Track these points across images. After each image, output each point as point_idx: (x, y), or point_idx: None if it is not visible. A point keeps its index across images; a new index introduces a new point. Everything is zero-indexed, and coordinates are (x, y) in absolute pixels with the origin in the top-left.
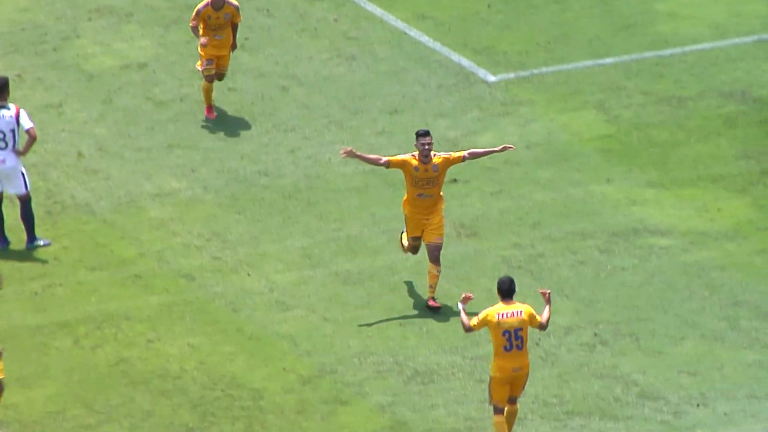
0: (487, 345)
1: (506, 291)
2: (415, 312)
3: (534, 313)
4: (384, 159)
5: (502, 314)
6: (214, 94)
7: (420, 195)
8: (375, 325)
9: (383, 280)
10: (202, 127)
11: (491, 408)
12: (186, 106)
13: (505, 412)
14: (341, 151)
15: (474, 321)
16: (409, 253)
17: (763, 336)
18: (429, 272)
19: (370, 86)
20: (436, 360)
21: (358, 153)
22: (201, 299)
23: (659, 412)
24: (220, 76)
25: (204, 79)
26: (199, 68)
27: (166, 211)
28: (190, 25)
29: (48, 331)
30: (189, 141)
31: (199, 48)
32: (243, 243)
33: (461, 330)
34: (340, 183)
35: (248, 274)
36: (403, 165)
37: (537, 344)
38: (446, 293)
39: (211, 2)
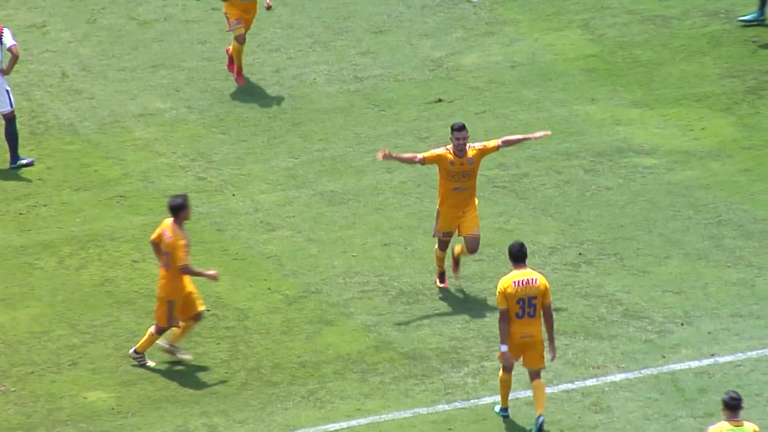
0: (472, 265)
1: (518, 256)
2: (400, 232)
3: (548, 286)
4: (419, 156)
5: (518, 282)
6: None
7: (456, 188)
8: (360, 245)
9: (368, 200)
10: (187, 46)
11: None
12: (170, 25)
13: (532, 385)
14: (378, 154)
15: (498, 300)
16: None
17: (746, 254)
18: (459, 258)
19: (354, 6)
20: (420, 280)
21: (395, 154)
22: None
23: (644, 330)
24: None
25: (234, 40)
26: (228, 30)
27: (150, 132)
28: None
29: (32, 251)
30: (173, 61)
31: (224, 7)
32: (228, 163)
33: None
34: (324, 103)
35: (233, 195)
36: (438, 160)
37: None
38: (431, 213)
39: None
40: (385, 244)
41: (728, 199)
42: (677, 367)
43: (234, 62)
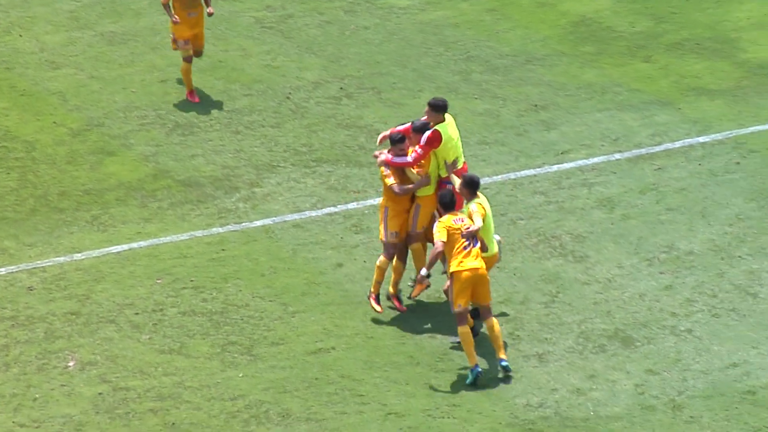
0: (241, 99)
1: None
2: (175, 69)
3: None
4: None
5: (456, 220)
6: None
7: None
8: (138, 82)
9: (146, 40)
10: None
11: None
12: None
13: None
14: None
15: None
16: None
17: (492, 87)
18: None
19: None
20: (195, 113)
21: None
22: None
23: None
24: (198, 54)
25: (183, 61)
26: (175, 49)
27: None
28: (162, 1)
29: None
30: None
31: (171, 27)
32: (14, 6)
33: (218, 84)
34: None
35: (20, 35)
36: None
37: (288, 98)
38: (209, 54)
39: None
40: (162, 81)
41: (475, 36)
42: None
43: (186, 87)
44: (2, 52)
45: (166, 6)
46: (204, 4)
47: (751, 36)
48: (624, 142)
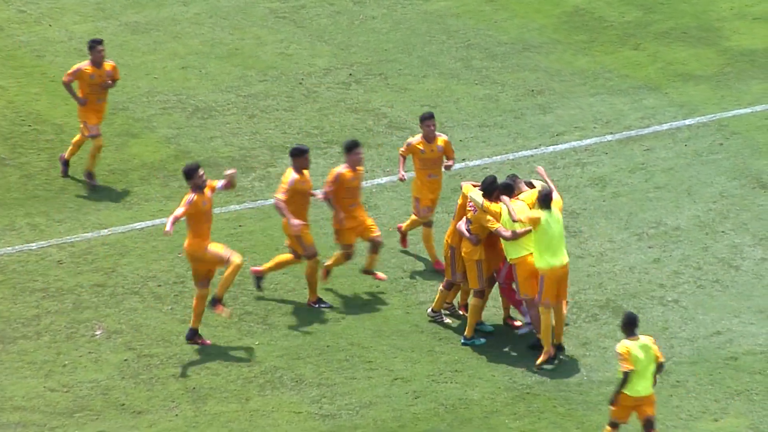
0: (257, 84)
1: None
2: (195, 57)
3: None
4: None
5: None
6: None
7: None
8: (160, 69)
9: (167, 29)
10: None
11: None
12: None
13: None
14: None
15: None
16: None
17: (492, 73)
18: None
19: None
20: (213, 98)
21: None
22: (8, 47)
23: (405, 139)
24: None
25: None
26: (87, 135)
27: None
28: (63, 80)
29: None
30: None
31: (79, 110)
32: None
33: (235, 71)
34: None
35: (50, 25)
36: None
37: (300, 83)
38: (223, 41)
39: (92, 60)
40: (183, 68)
41: (476, 26)
42: None
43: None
44: (33, 41)
45: (68, 85)
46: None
47: (734, 25)
48: (615, 125)
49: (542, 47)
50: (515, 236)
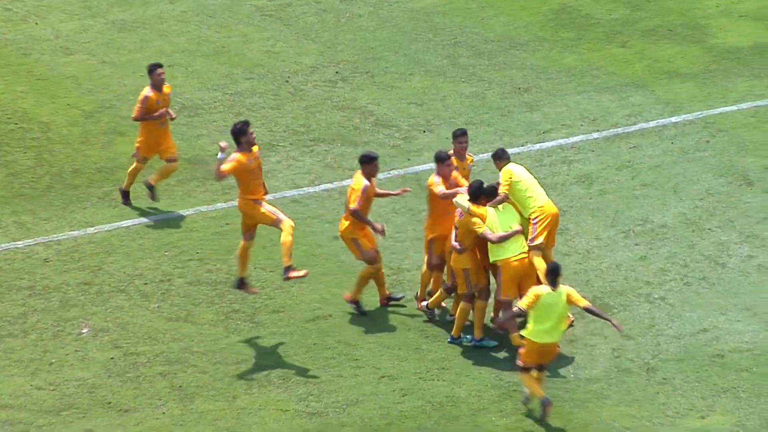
0: (243, 82)
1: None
2: (181, 55)
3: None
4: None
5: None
6: None
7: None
8: (147, 67)
9: (153, 27)
10: None
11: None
12: None
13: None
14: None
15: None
16: None
17: (478, 71)
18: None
19: None
20: (200, 96)
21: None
22: None
23: (392, 137)
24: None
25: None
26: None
27: None
28: (134, 117)
29: None
30: None
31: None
32: None
33: (222, 69)
34: None
35: (36, 23)
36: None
37: (287, 81)
38: (209, 39)
39: (153, 84)
40: (169, 65)
41: (462, 23)
42: (420, 168)
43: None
44: (20, 39)
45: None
46: None
47: (720, 23)
48: (601, 122)
49: (529, 45)
50: (501, 239)
